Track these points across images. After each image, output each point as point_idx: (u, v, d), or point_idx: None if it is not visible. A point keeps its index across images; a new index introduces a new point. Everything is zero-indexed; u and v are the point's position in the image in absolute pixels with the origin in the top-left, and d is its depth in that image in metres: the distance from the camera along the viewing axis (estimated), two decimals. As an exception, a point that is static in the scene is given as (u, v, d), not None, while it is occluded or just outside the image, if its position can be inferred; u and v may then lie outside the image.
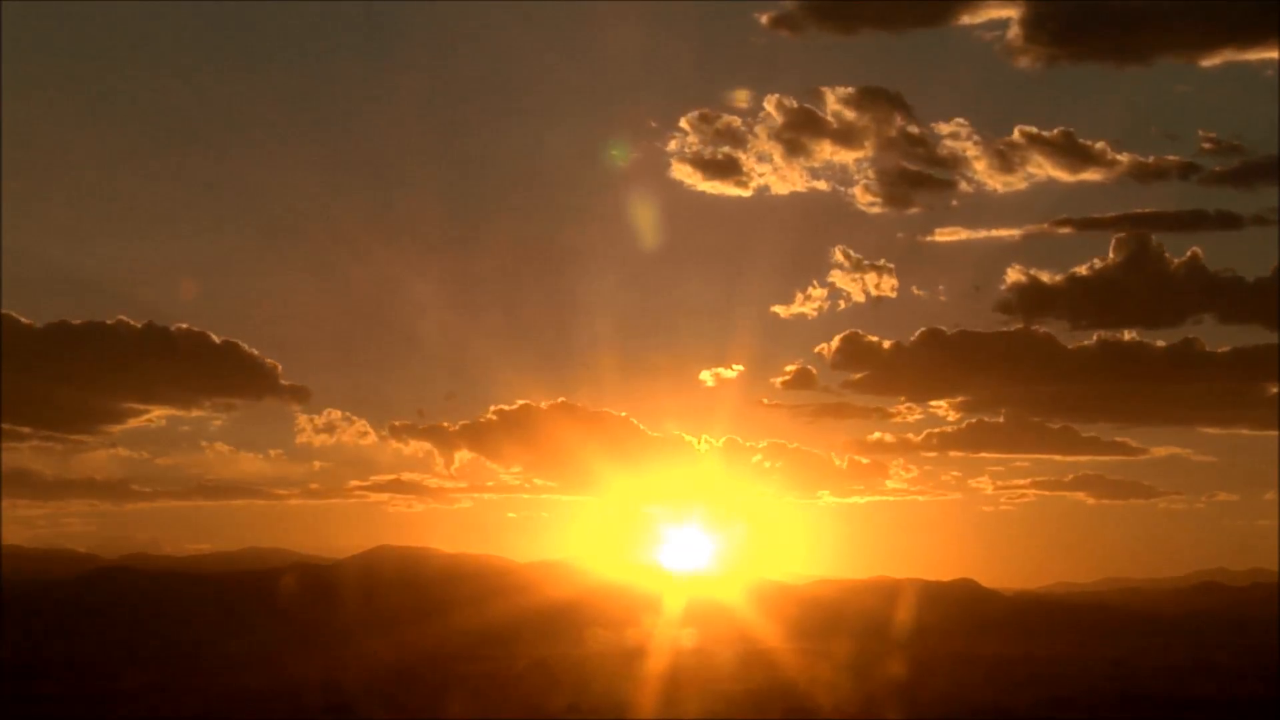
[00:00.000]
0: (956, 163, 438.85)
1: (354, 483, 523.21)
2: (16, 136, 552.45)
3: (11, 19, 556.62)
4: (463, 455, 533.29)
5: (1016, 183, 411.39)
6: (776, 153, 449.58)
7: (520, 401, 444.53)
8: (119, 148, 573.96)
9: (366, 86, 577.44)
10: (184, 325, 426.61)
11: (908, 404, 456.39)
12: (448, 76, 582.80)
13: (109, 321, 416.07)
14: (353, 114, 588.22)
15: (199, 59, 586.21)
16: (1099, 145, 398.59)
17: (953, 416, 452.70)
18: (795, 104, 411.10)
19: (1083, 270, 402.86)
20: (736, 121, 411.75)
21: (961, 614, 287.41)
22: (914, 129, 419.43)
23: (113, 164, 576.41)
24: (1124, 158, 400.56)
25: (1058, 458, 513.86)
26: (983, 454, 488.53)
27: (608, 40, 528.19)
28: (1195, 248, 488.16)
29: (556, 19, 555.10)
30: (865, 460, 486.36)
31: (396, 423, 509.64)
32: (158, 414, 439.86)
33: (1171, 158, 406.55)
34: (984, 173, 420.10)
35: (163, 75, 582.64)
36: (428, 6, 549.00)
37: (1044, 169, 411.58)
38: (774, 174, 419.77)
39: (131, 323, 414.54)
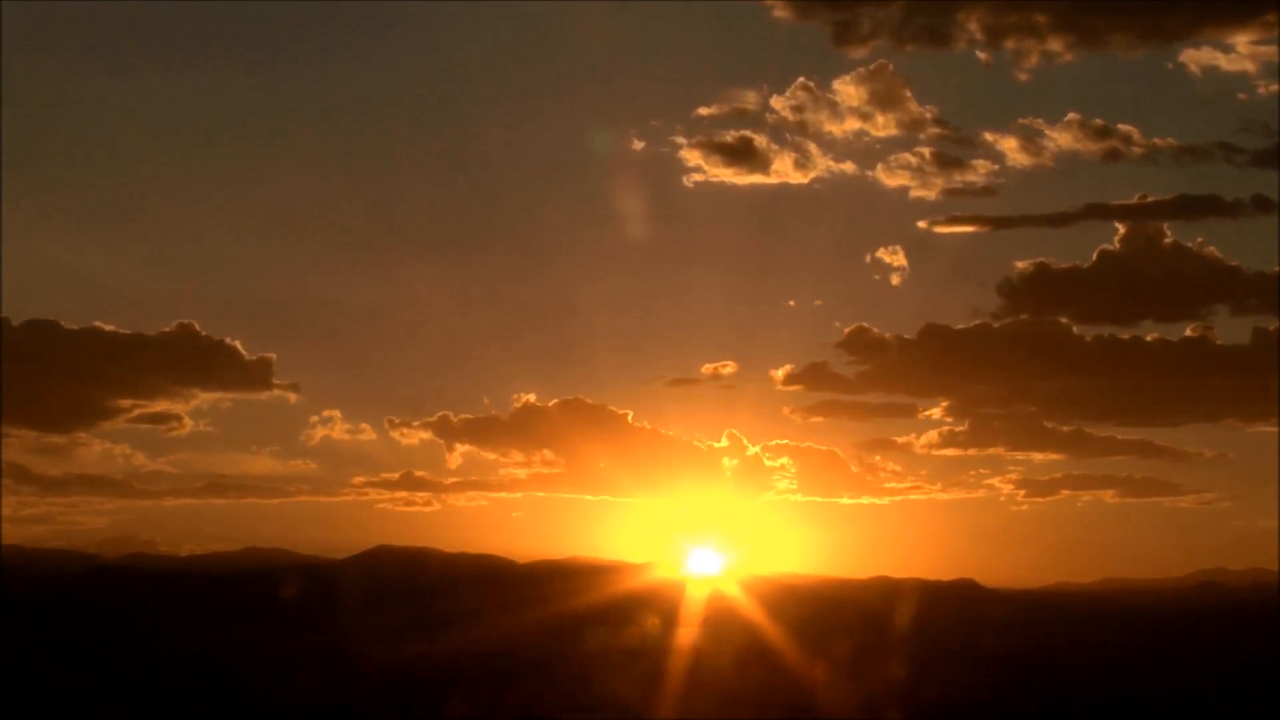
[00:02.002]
0: (984, 146, 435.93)
1: (355, 481, 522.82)
2: (15, 135, 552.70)
3: (11, 19, 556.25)
4: (465, 454, 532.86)
5: (1047, 165, 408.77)
6: (792, 138, 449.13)
7: (525, 399, 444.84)
8: (115, 145, 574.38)
9: (373, 84, 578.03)
10: (181, 322, 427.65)
11: (917, 399, 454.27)
12: (450, 74, 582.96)
13: (104, 319, 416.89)
14: (356, 111, 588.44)
15: (196, 58, 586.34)
16: (1130, 129, 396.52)
17: (961, 414, 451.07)
18: (812, 87, 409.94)
19: (1092, 260, 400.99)
20: (749, 108, 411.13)
21: (961, 614, 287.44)
22: (935, 110, 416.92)
23: (108, 161, 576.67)
24: (1162, 142, 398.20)
25: (1062, 457, 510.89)
26: (988, 452, 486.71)
27: (619, 36, 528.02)
28: (1200, 236, 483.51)
29: (564, 17, 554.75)
30: (874, 459, 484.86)
31: (397, 420, 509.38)
32: (156, 412, 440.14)
33: (1211, 140, 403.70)
34: (1013, 157, 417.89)
35: (161, 74, 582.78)
36: (430, 5, 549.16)
37: (1077, 153, 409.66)
38: (790, 160, 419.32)
39: (122, 323, 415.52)
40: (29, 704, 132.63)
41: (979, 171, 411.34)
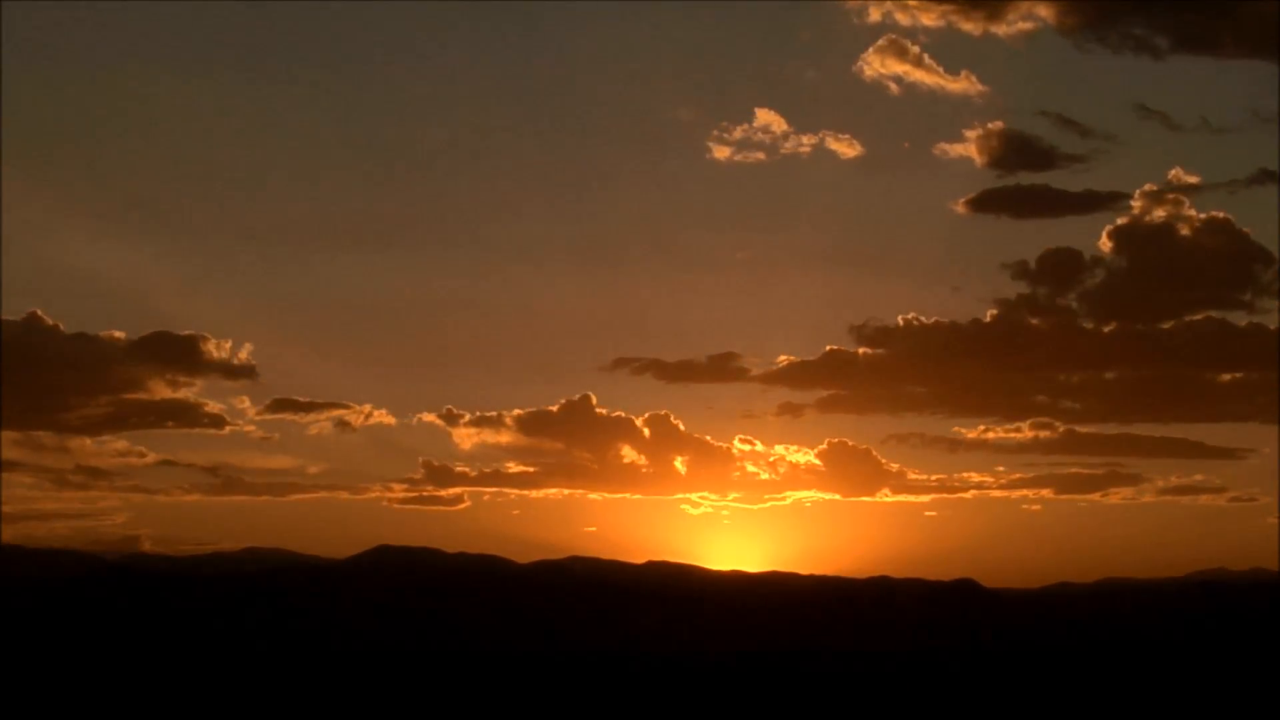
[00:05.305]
0: (1039, 126, 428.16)
1: (355, 482, 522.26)
2: (16, 135, 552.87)
3: (11, 19, 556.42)
4: (469, 453, 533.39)
5: (1101, 143, 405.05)
6: (812, 126, 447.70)
7: (532, 398, 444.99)
8: (115, 145, 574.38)
9: (381, 83, 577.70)
10: (180, 323, 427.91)
11: (927, 391, 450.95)
12: (455, 72, 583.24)
13: (106, 318, 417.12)
14: (359, 109, 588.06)
15: (197, 60, 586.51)
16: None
17: (976, 413, 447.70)
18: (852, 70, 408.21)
19: (1109, 247, 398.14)
20: (774, 98, 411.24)
21: (961, 614, 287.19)
22: (991, 87, 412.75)
23: (108, 161, 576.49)
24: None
25: (1079, 455, 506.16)
26: (987, 450, 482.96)
27: (644, 35, 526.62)
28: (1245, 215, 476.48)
29: (570, 16, 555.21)
30: (879, 459, 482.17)
31: (400, 419, 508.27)
32: (155, 406, 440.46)
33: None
34: (1064, 134, 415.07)
35: (161, 75, 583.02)
36: (436, 6, 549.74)
37: (1151, 139, 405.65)
38: (817, 143, 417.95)
39: (118, 328, 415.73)
40: (29, 704, 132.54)
41: (1034, 148, 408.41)
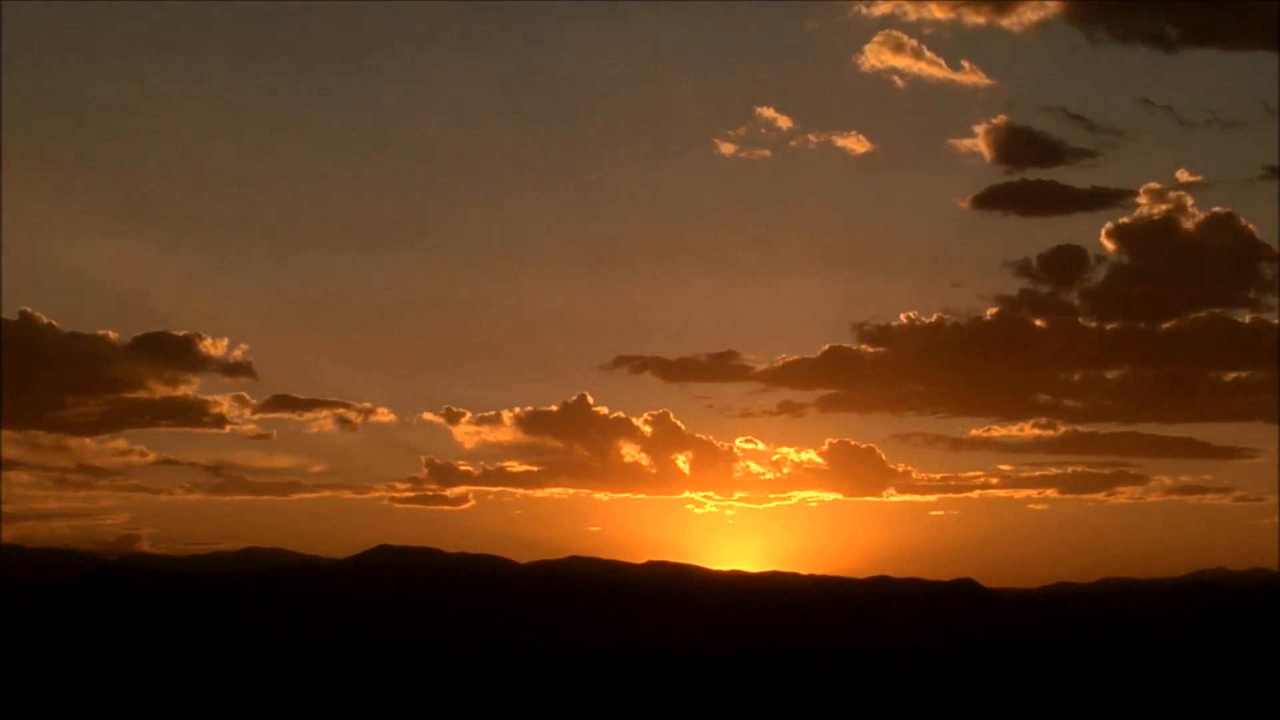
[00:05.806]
0: (1049, 124, 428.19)
1: (358, 481, 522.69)
2: (15, 135, 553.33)
3: (11, 19, 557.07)
4: (469, 453, 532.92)
5: (1108, 141, 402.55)
6: (819, 126, 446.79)
7: (533, 398, 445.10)
8: (114, 144, 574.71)
9: (402, 84, 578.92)
10: (177, 322, 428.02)
11: (928, 390, 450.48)
12: (463, 75, 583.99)
13: (104, 317, 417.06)
14: (388, 110, 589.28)
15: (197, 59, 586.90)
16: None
17: (978, 412, 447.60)
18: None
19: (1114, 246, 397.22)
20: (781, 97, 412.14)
21: (961, 614, 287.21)
22: (1000, 82, 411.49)
23: (106, 161, 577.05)
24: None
25: (1080, 454, 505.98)
26: (992, 449, 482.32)
27: (652, 39, 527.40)
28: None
29: (590, 20, 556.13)
30: (882, 456, 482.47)
31: (401, 419, 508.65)
32: (153, 405, 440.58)
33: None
34: (1075, 132, 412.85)
35: (159, 75, 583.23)
36: (436, 6, 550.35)
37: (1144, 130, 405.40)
38: (817, 144, 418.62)
39: (116, 327, 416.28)
40: (29, 704, 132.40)
41: (1041, 143, 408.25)
